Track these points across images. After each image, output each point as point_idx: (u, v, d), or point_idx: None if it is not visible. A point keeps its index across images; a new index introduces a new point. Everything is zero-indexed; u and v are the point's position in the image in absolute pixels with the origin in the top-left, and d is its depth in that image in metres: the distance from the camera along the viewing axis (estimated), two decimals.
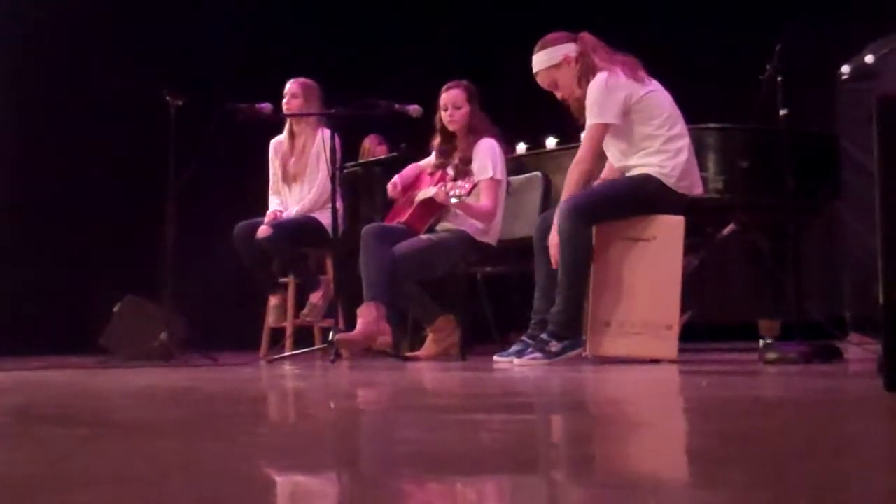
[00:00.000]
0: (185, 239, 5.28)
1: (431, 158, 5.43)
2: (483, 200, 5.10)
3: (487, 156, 5.12)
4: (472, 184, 4.88)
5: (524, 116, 6.61)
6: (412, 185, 5.40)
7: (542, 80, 4.58)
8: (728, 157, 5.17)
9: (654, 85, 4.43)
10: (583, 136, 4.46)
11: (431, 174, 5.35)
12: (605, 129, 4.37)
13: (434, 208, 5.17)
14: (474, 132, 5.21)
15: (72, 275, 7.18)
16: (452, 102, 5.23)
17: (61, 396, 3.09)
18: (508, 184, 5.28)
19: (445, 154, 5.33)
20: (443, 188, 4.93)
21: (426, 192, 5.17)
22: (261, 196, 5.94)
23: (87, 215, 7.29)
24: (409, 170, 5.45)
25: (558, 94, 4.57)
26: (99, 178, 7.34)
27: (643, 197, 4.31)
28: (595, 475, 1.36)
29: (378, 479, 1.34)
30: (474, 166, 5.13)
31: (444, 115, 5.26)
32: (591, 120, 4.37)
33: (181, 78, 5.78)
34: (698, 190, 4.46)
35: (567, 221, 4.26)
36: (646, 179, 4.33)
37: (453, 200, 4.86)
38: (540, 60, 4.55)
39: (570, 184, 4.40)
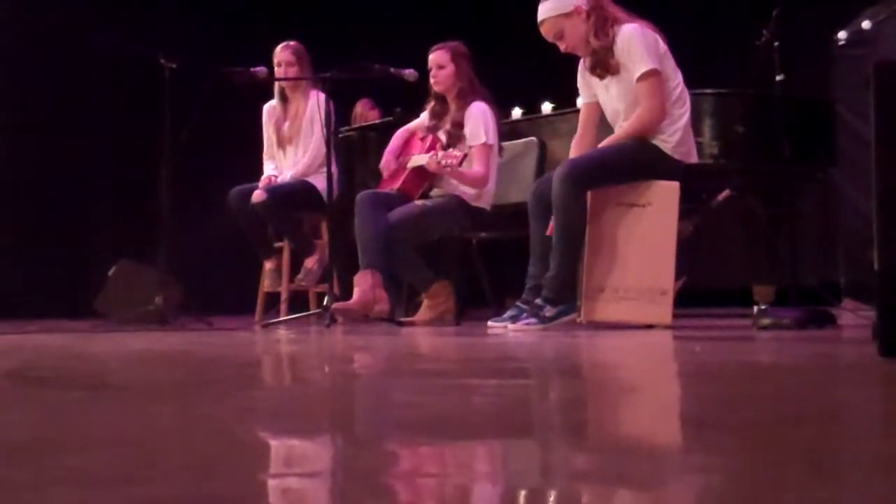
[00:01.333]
0: (181, 203, 5.26)
1: (422, 121, 5.39)
2: (475, 166, 5.08)
3: (479, 121, 5.09)
4: (462, 153, 4.87)
5: (521, 81, 6.58)
6: (403, 151, 5.38)
7: (547, 29, 4.40)
8: (724, 122, 5.16)
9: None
10: (641, 91, 4.26)
11: (423, 138, 5.32)
12: (660, 74, 4.26)
13: (426, 175, 5.15)
14: (464, 96, 5.18)
15: (67, 239, 7.16)
16: (437, 63, 5.20)
17: (56, 360, 3.10)
18: (501, 147, 5.26)
19: (438, 116, 5.30)
20: (434, 157, 4.91)
21: (417, 159, 5.16)
22: (256, 161, 5.92)
23: (83, 179, 7.26)
24: (397, 138, 5.42)
25: (562, 46, 4.41)
26: (94, 142, 7.31)
27: (640, 163, 4.26)
28: (589, 440, 1.37)
29: (372, 442, 1.35)
30: (466, 131, 5.11)
31: (431, 78, 5.24)
32: (644, 68, 4.22)
33: (175, 41, 5.74)
34: (693, 159, 4.43)
35: (562, 186, 4.23)
36: (642, 145, 4.29)
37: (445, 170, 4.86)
38: (548, 8, 4.38)
39: (639, 132, 4.29)
